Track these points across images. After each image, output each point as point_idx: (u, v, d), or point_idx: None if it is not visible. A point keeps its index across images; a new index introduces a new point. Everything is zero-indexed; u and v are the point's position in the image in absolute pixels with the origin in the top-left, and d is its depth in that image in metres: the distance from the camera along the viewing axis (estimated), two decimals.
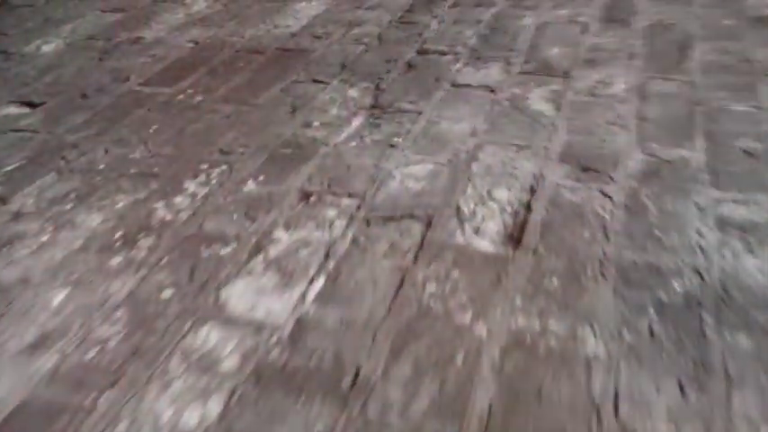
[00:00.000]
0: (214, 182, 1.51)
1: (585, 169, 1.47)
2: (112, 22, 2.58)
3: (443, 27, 2.34)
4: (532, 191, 1.42)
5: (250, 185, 1.49)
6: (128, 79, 2.08)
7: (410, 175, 1.50)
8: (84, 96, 1.98)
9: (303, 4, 2.65)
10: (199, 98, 1.93)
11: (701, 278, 1.15)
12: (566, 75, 1.92)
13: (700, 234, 1.25)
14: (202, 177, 1.53)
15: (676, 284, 1.14)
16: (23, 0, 2.92)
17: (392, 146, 1.62)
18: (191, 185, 1.50)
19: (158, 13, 2.67)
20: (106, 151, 1.66)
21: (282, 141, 1.67)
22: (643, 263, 1.19)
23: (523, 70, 1.97)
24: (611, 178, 1.44)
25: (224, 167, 1.56)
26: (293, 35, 2.36)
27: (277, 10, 2.61)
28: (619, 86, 1.83)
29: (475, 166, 1.51)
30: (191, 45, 2.32)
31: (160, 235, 1.34)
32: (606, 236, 1.27)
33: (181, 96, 1.94)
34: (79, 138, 1.74)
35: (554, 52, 2.07)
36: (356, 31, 2.36)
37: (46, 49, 2.37)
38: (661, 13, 2.33)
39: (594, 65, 1.97)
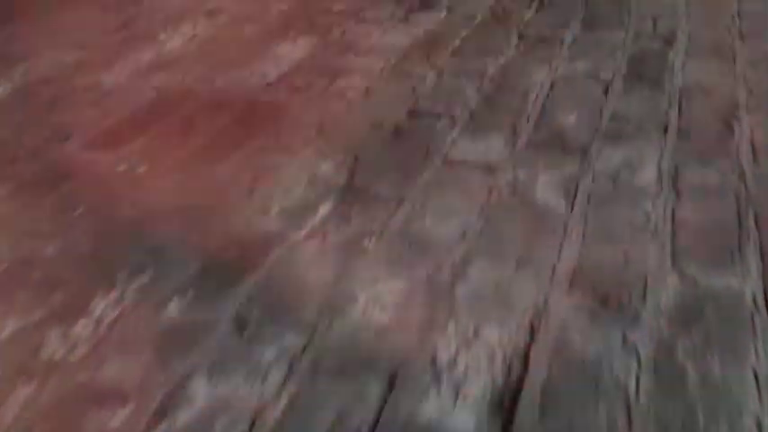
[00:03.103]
0: (129, 300, 1.19)
1: (604, 301, 1.14)
2: (71, 63, 2.29)
3: (442, 80, 2.01)
4: (533, 331, 1.09)
5: (172, 308, 1.17)
6: (68, 138, 1.78)
7: (377, 298, 1.17)
8: (13, 162, 1.69)
9: (287, 46, 2.34)
10: (143, 169, 1.62)
11: None
12: (583, 152, 1.59)
13: (759, 427, 0.91)
14: (116, 292, 1.21)
15: None
16: None
17: (360, 250, 1.30)
18: (99, 304, 1.18)
19: (125, 52, 2.37)
20: (12, 247, 1.35)
21: (228, 239, 1.35)
22: None
23: (531, 143, 1.64)
24: (638, 318, 1.10)
25: (146, 278, 1.24)
26: (269, 85, 2.05)
27: (257, 53, 2.31)
28: (648, 172, 1.49)
29: (461, 289, 1.19)
30: (152, 94, 2.02)
31: (42, 383, 1.03)
32: (629, 420, 0.93)
33: (122, 166, 1.63)
34: None
35: (570, 120, 1.74)
36: (341, 82, 2.04)
37: None
38: (700, 71, 1.99)
39: (618, 140, 1.63)
